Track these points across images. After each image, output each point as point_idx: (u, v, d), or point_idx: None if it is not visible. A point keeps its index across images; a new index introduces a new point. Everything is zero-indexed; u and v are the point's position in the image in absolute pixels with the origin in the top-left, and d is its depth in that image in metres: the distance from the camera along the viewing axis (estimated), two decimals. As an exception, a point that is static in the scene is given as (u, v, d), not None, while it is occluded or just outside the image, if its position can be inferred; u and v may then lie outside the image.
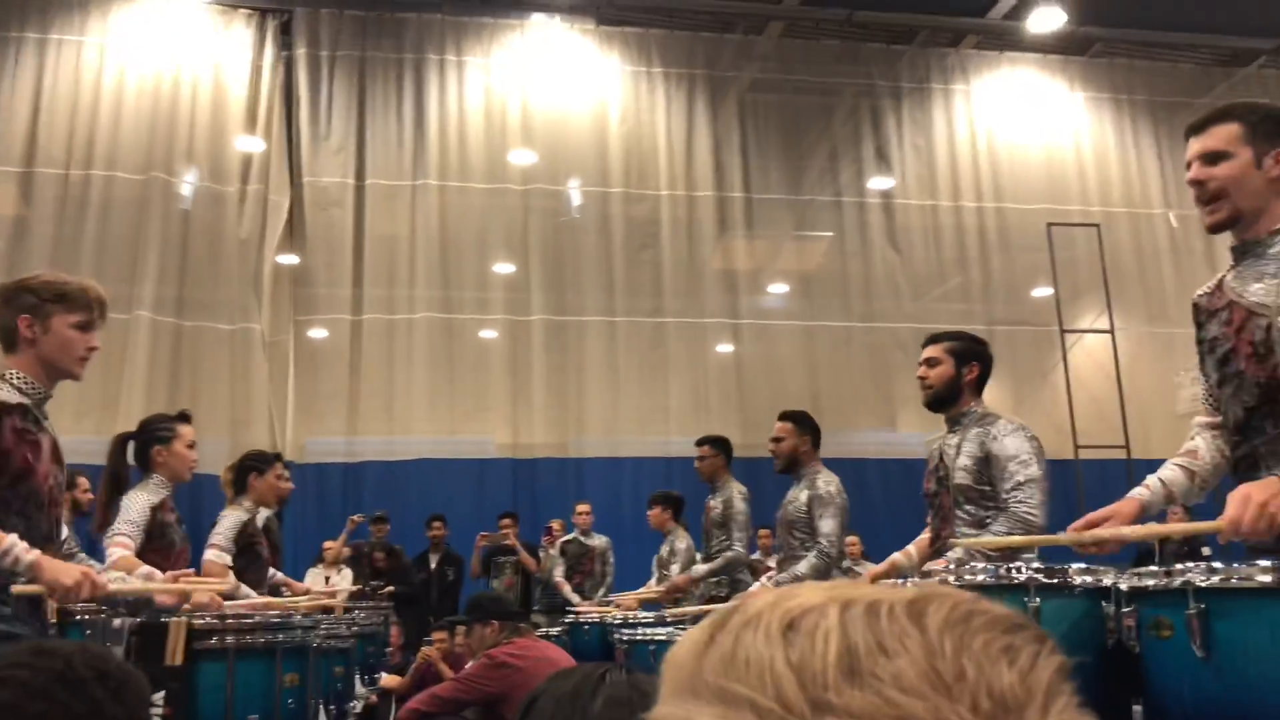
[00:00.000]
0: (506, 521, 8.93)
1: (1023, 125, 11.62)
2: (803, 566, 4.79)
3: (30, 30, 10.01)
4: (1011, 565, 2.34)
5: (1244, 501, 1.94)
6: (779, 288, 11.59)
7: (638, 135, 10.95)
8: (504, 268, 10.73)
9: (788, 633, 0.52)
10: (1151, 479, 2.45)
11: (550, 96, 10.85)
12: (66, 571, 2.66)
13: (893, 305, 11.02)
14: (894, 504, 8.96)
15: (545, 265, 10.65)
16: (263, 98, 10.29)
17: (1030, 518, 3.26)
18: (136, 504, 4.00)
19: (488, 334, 10.64)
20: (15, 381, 2.83)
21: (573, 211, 10.98)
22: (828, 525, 4.81)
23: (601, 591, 8.15)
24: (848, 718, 0.49)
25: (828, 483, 4.90)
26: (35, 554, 2.64)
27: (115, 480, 4.09)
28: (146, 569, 3.58)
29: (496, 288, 10.64)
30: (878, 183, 11.41)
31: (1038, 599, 2.22)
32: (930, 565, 3.17)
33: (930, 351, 3.59)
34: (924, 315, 10.46)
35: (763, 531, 8.26)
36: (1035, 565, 2.32)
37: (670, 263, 10.78)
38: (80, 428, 8.40)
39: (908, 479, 7.97)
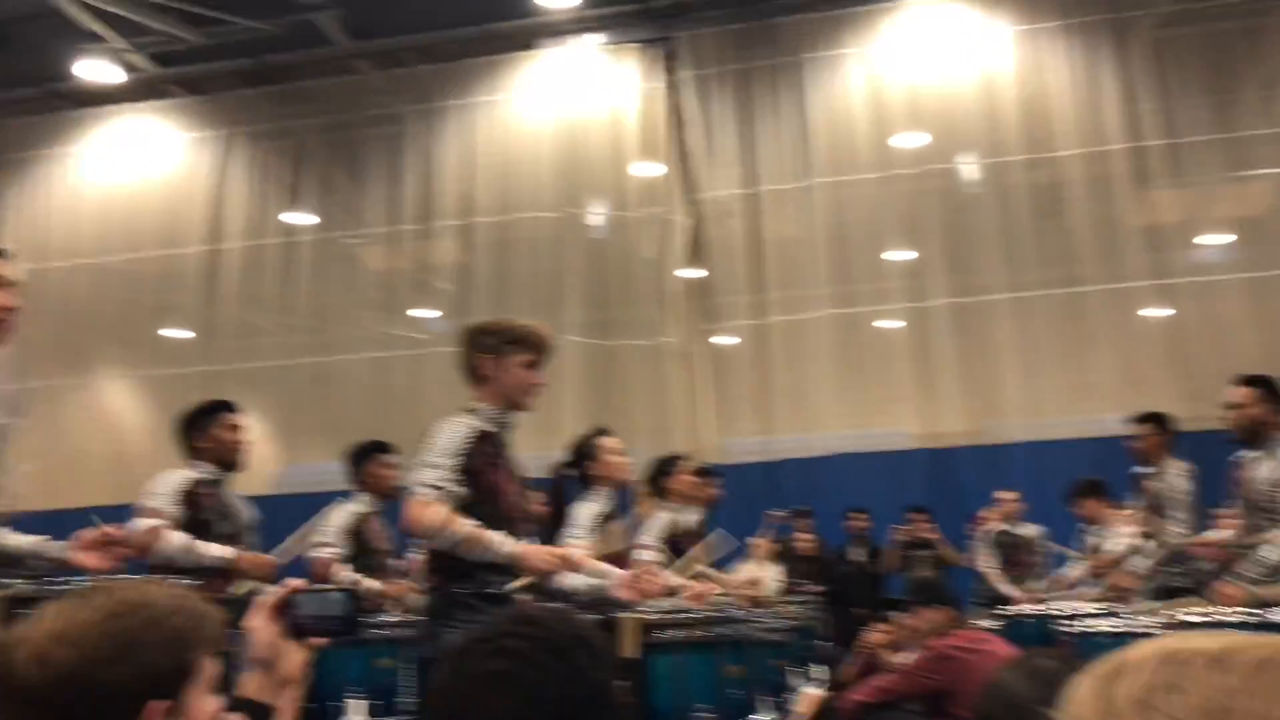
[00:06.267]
0: (914, 515, 8.80)
1: None
2: (1274, 553, 4.25)
3: (451, 99, 11.33)
4: None
5: None
6: (1216, 238, 10.30)
7: (1042, 96, 10.21)
8: (901, 255, 10.51)
9: (1113, 678, 0.66)
10: None
11: (935, 73, 10.49)
12: (540, 557, 3.03)
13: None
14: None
15: (945, 247, 10.30)
16: (656, 124, 10.88)
17: None
18: (584, 512, 4.43)
19: (890, 324, 10.46)
20: (484, 413, 3.24)
21: (969, 187, 10.53)
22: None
23: (1043, 584, 7.80)
24: None
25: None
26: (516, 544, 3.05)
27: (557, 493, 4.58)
28: (607, 567, 3.93)
29: (895, 276, 10.44)
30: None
31: None
32: None
33: None
34: None
35: (1220, 511, 7.43)
36: None
37: (1083, 227, 9.98)
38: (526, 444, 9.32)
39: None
